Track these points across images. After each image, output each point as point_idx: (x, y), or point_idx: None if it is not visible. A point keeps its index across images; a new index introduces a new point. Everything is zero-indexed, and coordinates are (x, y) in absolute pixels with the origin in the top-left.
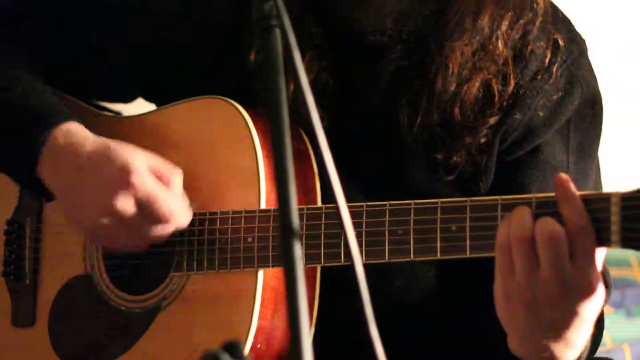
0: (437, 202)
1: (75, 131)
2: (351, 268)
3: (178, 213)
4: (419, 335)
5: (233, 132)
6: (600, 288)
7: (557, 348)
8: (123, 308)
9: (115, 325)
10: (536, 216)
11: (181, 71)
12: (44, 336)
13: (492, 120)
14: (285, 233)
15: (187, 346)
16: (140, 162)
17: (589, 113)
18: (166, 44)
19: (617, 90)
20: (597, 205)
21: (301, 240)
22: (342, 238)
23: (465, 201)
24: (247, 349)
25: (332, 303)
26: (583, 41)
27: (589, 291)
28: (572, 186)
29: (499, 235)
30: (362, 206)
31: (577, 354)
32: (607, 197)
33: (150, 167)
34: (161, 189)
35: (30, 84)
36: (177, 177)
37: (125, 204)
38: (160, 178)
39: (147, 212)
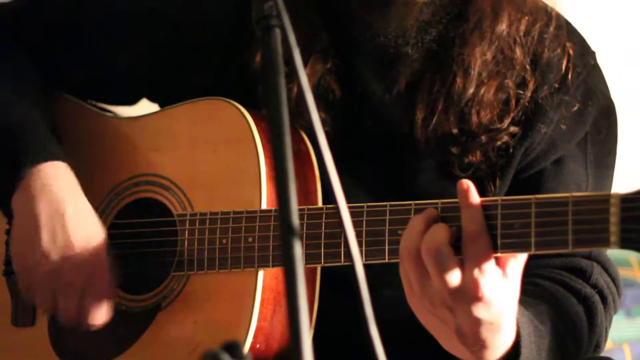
0: (437, 203)
1: (52, 176)
2: (351, 268)
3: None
4: (417, 337)
5: (235, 133)
6: (501, 294)
7: (477, 350)
8: (123, 307)
9: (116, 324)
10: (442, 219)
11: (183, 72)
12: (43, 336)
13: (513, 129)
14: (286, 233)
15: (186, 346)
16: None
17: (604, 124)
18: (167, 45)
19: (620, 91)
20: (595, 206)
21: (301, 240)
22: (342, 238)
23: None
24: (246, 349)
25: (332, 303)
26: (594, 53)
27: (478, 296)
28: (472, 195)
29: (400, 246)
30: (362, 206)
31: (499, 354)
32: (606, 198)
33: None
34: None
35: (27, 111)
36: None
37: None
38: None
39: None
